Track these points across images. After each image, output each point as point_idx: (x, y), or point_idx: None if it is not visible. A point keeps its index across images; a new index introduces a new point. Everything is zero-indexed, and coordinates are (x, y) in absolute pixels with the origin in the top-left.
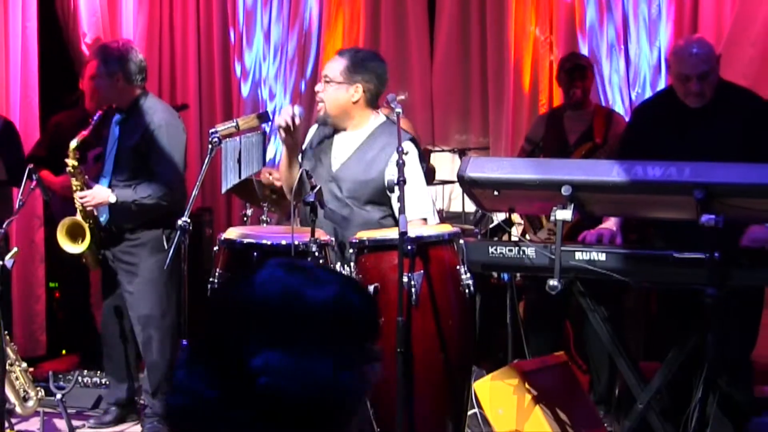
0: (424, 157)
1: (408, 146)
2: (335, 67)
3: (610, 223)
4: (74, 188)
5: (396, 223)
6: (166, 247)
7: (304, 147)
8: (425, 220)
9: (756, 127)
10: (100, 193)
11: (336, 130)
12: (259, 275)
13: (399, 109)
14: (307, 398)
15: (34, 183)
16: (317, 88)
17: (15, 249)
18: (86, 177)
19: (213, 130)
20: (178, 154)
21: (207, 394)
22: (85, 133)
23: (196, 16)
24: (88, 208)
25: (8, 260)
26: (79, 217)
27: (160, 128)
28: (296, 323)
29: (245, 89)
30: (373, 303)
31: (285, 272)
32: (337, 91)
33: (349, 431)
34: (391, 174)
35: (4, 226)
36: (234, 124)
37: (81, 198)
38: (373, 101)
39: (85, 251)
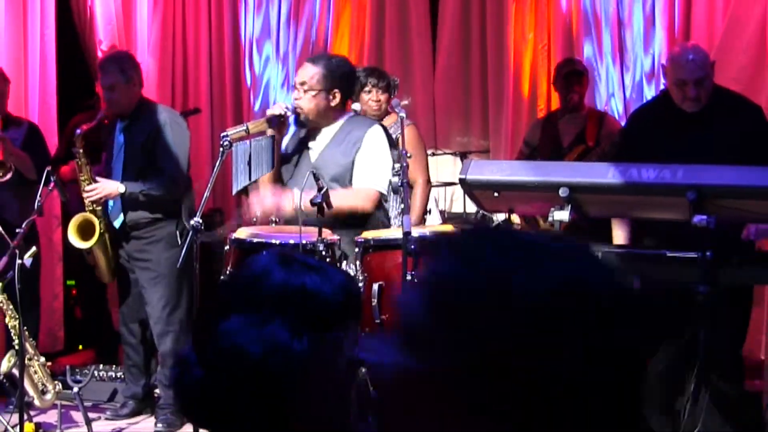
0: (394, 143)
1: (374, 130)
2: (312, 74)
3: None
4: (82, 184)
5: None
6: (179, 242)
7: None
8: (380, 193)
9: (750, 131)
10: (109, 185)
11: (310, 130)
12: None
13: (403, 114)
14: (264, 360)
15: (52, 185)
16: (294, 95)
17: (33, 248)
18: (91, 171)
19: (224, 133)
20: (182, 150)
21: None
22: (91, 124)
23: (207, 25)
24: (97, 201)
25: (27, 259)
26: (89, 215)
27: (165, 125)
28: (264, 297)
29: (255, 97)
30: (344, 295)
31: (278, 262)
32: (317, 98)
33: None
34: (364, 157)
35: (23, 226)
36: (244, 128)
37: (90, 191)
38: (346, 101)
39: (94, 246)
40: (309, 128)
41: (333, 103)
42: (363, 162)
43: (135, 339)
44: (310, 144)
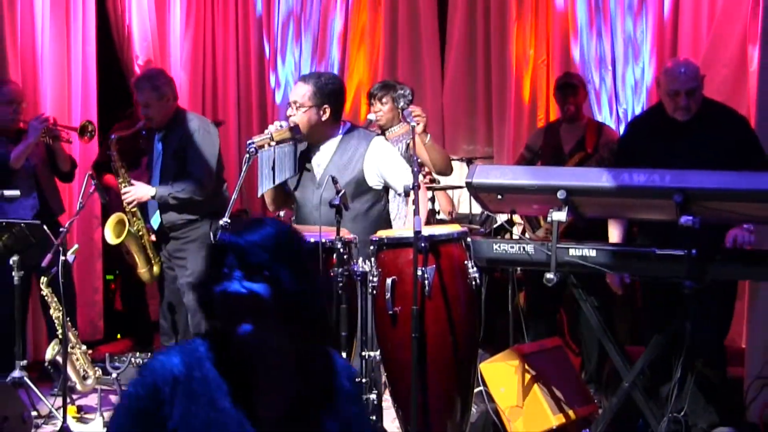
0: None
1: (378, 141)
2: (303, 92)
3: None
4: (120, 186)
5: (381, 212)
6: (213, 241)
7: None
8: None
9: (736, 139)
10: (141, 189)
11: (309, 146)
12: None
13: (414, 123)
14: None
15: (93, 188)
16: (288, 112)
17: (76, 246)
18: (127, 175)
19: (250, 141)
20: (210, 154)
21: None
22: (127, 132)
23: (235, 42)
24: (132, 203)
25: (70, 256)
26: (122, 214)
27: (194, 133)
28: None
29: (278, 107)
30: (274, 242)
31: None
32: (308, 113)
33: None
34: (376, 172)
35: (66, 225)
36: (269, 135)
37: (125, 193)
38: (338, 116)
39: (124, 241)
40: (307, 146)
41: (323, 118)
42: (392, 170)
43: (172, 330)
44: (313, 161)
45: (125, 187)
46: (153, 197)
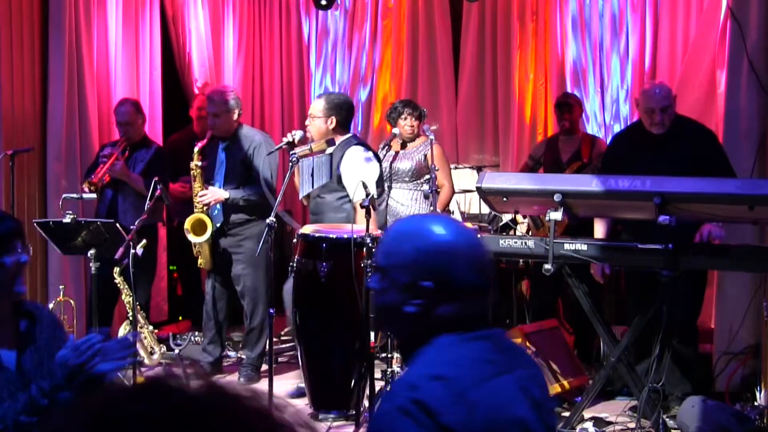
0: (377, 155)
1: (354, 150)
2: (316, 106)
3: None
4: (195, 190)
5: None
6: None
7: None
8: (359, 204)
9: (704, 150)
10: (217, 192)
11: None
12: None
13: (432, 136)
14: None
15: (159, 191)
16: (306, 122)
17: (144, 241)
18: (204, 179)
19: (292, 152)
20: (273, 164)
21: None
22: (204, 141)
23: (279, 66)
24: (207, 204)
25: (139, 249)
26: (202, 215)
27: (261, 145)
28: None
29: None
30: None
31: None
32: (317, 122)
33: None
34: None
35: (136, 224)
36: (308, 147)
37: (201, 196)
38: (345, 126)
39: (205, 242)
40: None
41: (331, 127)
42: (347, 180)
43: (213, 313)
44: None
45: (202, 190)
46: (227, 200)
